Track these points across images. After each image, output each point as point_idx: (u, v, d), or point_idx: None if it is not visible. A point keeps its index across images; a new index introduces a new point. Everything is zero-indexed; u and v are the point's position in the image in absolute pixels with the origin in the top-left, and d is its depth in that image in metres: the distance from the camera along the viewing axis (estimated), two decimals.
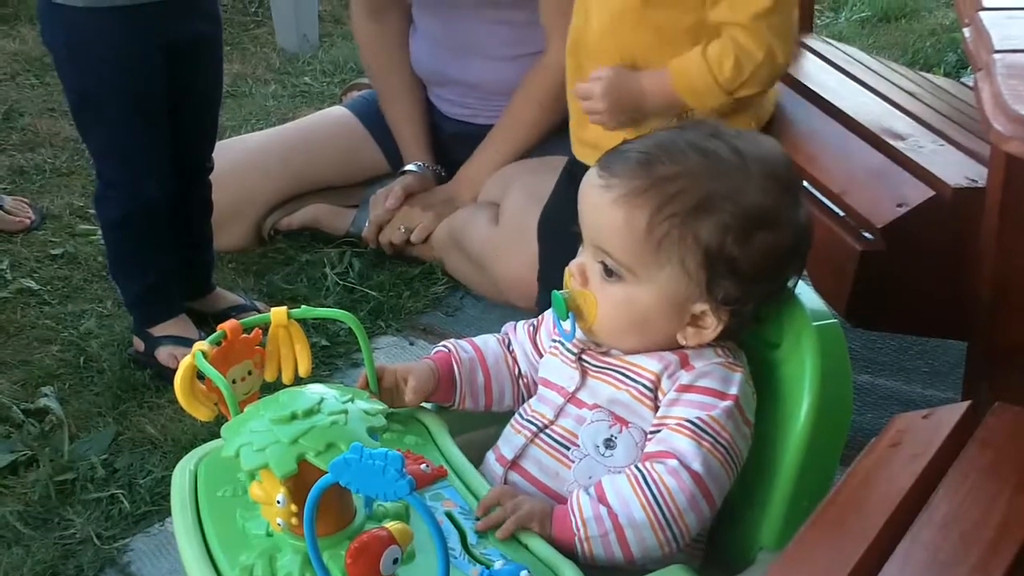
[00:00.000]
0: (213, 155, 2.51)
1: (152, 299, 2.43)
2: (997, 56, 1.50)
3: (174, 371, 1.41)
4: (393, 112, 2.98)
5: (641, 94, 1.91)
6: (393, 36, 3.00)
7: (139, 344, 2.45)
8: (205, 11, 2.35)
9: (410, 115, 2.98)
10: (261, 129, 3.30)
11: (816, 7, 3.41)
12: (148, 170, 2.33)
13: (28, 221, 2.99)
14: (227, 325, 1.46)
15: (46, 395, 2.35)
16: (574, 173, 1.90)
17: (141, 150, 2.32)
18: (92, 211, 2.82)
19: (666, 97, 1.90)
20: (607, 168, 1.42)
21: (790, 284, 1.47)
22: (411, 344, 2.56)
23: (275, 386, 1.42)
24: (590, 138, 1.98)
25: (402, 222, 2.85)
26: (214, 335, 1.44)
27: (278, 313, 1.50)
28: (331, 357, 2.48)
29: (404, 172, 2.94)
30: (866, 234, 1.92)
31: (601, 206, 1.40)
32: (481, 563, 1.30)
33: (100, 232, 2.61)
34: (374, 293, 2.71)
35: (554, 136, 2.81)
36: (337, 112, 3.13)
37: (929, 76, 2.72)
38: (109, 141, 2.32)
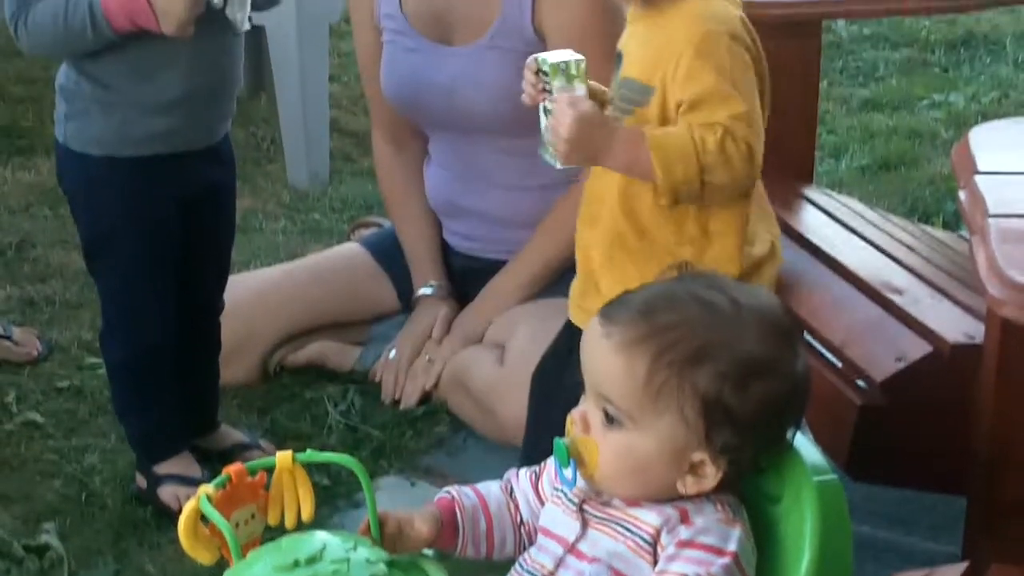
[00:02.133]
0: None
1: (155, 438, 2.44)
2: (992, 220, 1.54)
3: (176, 511, 1.42)
4: (408, 235, 3.00)
5: (608, 145, 1.85)
6: (411, 162, 3.04)
7: (142, 481, 2.45)
8: (221, 158, 2.41)
9: (426, 235, 2.99)
10: (270, 264, 3.33)
11: (817, 153, 3.48)
12: (154, 316, 2.36)
13: (36, 353, 3.01)
14: (232, 469, 1.47)
15: (47, 531, 2.34)
16: (571, 343, 1.88)
17: (149, 297, 2.35)
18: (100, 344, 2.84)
19: (633, 156, 1.84)
20: (608, 316, 1.45)
21: (789, 435, 1.49)
22: (412, 485, 2.55)
23: (278, 529, 1.43)
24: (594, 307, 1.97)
25: (428, 353, 2.84)
26: (219, 479, 1.46)
27: (283, 457, 1.51)
28: (333, 497, 2.47)
29: (419, 296, 2.94)
30: (865, 388, 1.94)
31: (602, 353, 1.43)
32: None
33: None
34: (376, 432, 2.71)
35: (562, 274, 2.83)
36: (349, 248, 3.16)
37: (928, 228, 2.76)
38: (118, 286, 2.36)
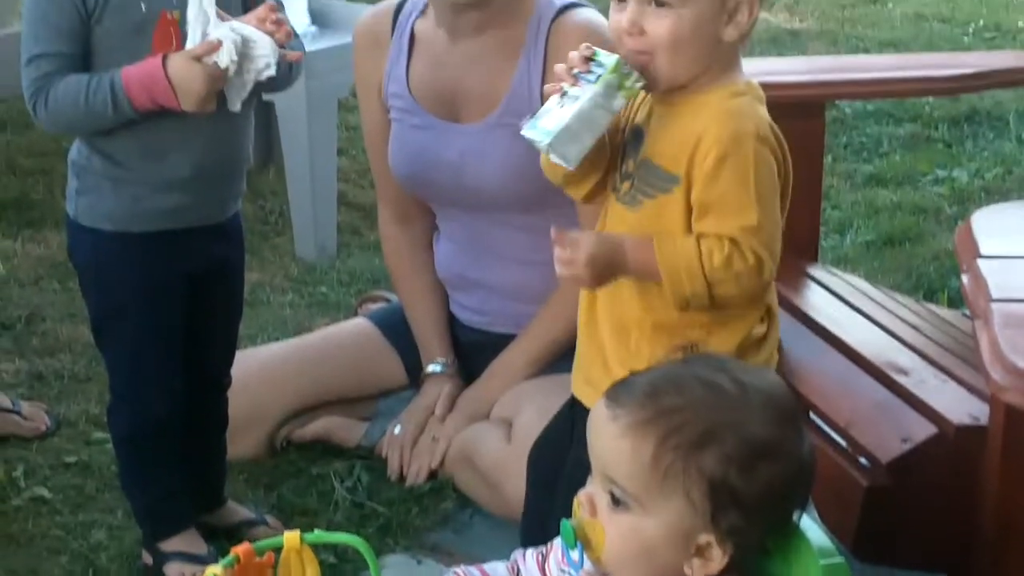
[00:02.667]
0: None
1: (161, 514, 2.44)
2: (995, 305, 1.56)
3: None
4: (416, 312, 3.02)
5: (624, 265, 1.88)
6: (418, 238, 3.06)
7: (148, 558, 2.45)
8: (230, 234, 2.43)
9: (432, 312, 3.01)
10: (277, 338, 3.34)
11: (821, 229, 3.49)
12: (161, 389, 2.37)
13: (44, 427, 3.01)
14: (240, 549, 1.49)
15: None
16: (574, 419, 1.89)
17: (156, 370, 2.36)
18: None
19: (647, 268, 1.87)
20: (614, 399, 1.47)
21: (795, 517, 1.49)
22: (419, 563, 2.55)
23: None
24: (601, 383, 1.98)
25: (432, 431, 2.85)
26: (227, 559, 1.48)
27: (291, 538, 1.53)
28: (339, 574, 2.47)
29: (428, 374, 2.95)
30: (871, 468, 1.95)
31: (608, 436, 1.45)
32: None
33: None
34: (383, 509, 2.71)
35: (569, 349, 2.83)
36: (356, 324, 3.17)
37: (933, 307, 2.78)
38: (125, 360, 2.37)
